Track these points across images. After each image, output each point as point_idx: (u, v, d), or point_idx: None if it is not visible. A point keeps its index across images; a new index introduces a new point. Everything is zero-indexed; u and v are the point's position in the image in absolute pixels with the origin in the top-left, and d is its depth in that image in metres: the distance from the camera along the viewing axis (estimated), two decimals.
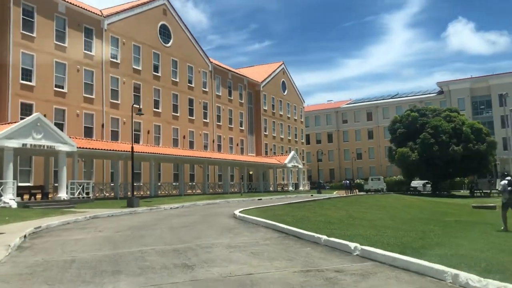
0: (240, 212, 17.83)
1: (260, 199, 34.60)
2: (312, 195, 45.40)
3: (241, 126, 55.52)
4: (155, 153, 34.03)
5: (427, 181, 64.55)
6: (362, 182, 66.35)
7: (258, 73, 62.49)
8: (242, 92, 56.26)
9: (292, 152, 56.22)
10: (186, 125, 45.45)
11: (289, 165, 53.60)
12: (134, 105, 27.33)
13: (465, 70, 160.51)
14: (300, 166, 57.15)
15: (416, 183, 65.45)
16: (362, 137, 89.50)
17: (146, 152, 33.14)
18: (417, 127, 51.15)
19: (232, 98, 53.89)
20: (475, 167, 49.32)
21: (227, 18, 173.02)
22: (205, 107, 48.88)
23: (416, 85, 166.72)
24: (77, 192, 26.84)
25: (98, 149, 29.10)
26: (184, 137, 44.80)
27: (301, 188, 56.17)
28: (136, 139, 39.00)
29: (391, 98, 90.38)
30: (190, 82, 46.85)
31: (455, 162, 48.06)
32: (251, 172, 55.74)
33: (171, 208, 24.56)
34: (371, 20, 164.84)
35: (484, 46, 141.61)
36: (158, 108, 42.01)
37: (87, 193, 27.71)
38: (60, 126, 32.35)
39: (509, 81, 77.21)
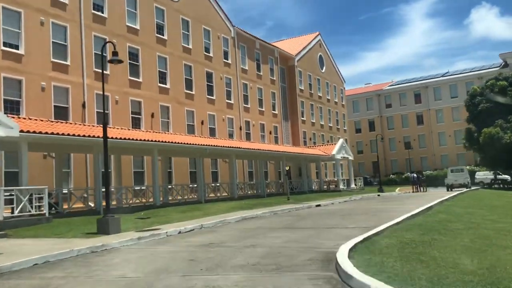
0: (360, 268, 6.16)
1: (319, 205, 22.93)
2: (379, 195, 33.64)
3: (274, 109, 43.89)
4: (159, 142, 22.67)
5: (497, 171, 52.23)
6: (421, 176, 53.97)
7: (290, 46, 50.71)
8: (273, 66, 44.62)
9: (341, 140, 44.27)
10: (205, 107, 34.07)
11: (338, 156, 41.71)
12: (109, 43, 15.83)
13: (489, 58, 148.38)
14: (351, 157, 45.19)
15: (482, 174, 53.51)
16: (410, 123, 76.79)
17: (145, 140, 21.81)
18: (507, 100, 38.70)
19: (261, 73, 42.30)
20: None
21: (243, 16, 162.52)
22: (228, 84, 37.41)
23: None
24: (20, 207, 15.58)
25: (59, 134, 17.82)
26: (202, 122, 33.40)
27: (353, 185, 44.22)
28: (136, 124, 27.84)
29: (442, 76, 77.38)
30: (207, 50, 35.44)
31: None
32: (287, 167, 44.13)
33: (179, 232, 13.10)
34: (388, 12, 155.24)
35: (509, 31, 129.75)
36: (165, 83, 30.74)
37: (44, 207, 16.47)
38: (15, 104, 21.42)
39: None
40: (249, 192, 33.22)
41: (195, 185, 27.97)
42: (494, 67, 72.98)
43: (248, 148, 30.22)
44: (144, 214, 17.91)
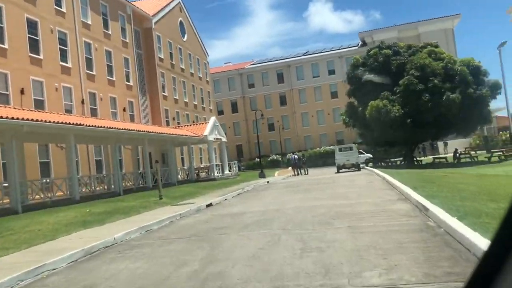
0: None
1: (210, 204, 15.23)
2: (268, 182, 27.28)
3: (128, 80, 34.48)
4: None
5: (360, 150, 51.18)
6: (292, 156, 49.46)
7: (145, 7, 41.26)
8: (126, 26, 34.99)
9: (213, 119, 36.83)
10: (26, 69, 23.47)
11: (211, 137, 34.34)
12: None
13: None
14: (224, 139, 38.25)
15: None
16: (273, 104, 73.15)
17: None
18: (392, 70, 35.58)
19: (110, 32, 32.46)
20: (474, 121, 35.26)
21: None
22: (63, 41, 27.04)
23: None
24: None
25: None
26: (22, 91, 22.82)
27: (227, 172, 37.31)
28: None
29: (303, 55, 75.12)
30: None
31: (448, 116, 33.45)
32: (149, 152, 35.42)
33: None
34: (234, 2, 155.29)
35: (341, 25, 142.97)
36: None
37: None
38: None
39: (440, 27, 66.99)
40: (97, 189, 23.86)
41: (7, 184, 17.80)
42: (352, 47, 73.04)
43: (95, 126, 20.92)
44: None
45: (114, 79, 31.98)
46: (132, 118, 33.88)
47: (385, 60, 35.79)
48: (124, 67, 33.83)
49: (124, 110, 32.81)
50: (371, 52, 36.94)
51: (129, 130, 23.88)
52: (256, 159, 68.71)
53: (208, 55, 54.63)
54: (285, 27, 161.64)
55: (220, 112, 74.72)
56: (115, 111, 31.77)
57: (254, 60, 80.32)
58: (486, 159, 33.54)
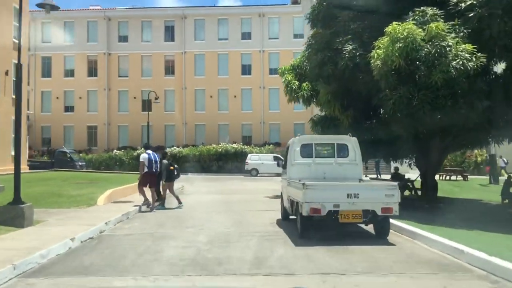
0: None
1: None
2: None
3: None
4: None
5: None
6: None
7: None
8: None
9: None
10: None
11: None
12: None
13: None
14: None
15: (257, 159, 32.71)
16: (154, 71, 48.22)
17: None
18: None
19: None
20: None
21: None
22: None
23: None
24: None
25: None
26: None
27: None
28: None
29: (209, 7, 51.27)
30: None
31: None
32: None
33: None
34: None
35: None
36: None
37: None
38: None
39: None
40: None
41: None
42: (278, 5, 50.83)
43: None
44: None
45: None
46: None
47: None
48: None
49: None
50: None
51: None
52: (115, 151, 43.42)
53: None
54: None
55: (70, 73, 48.08)
56: None
57: (132, 6, 54.37)
58: None
